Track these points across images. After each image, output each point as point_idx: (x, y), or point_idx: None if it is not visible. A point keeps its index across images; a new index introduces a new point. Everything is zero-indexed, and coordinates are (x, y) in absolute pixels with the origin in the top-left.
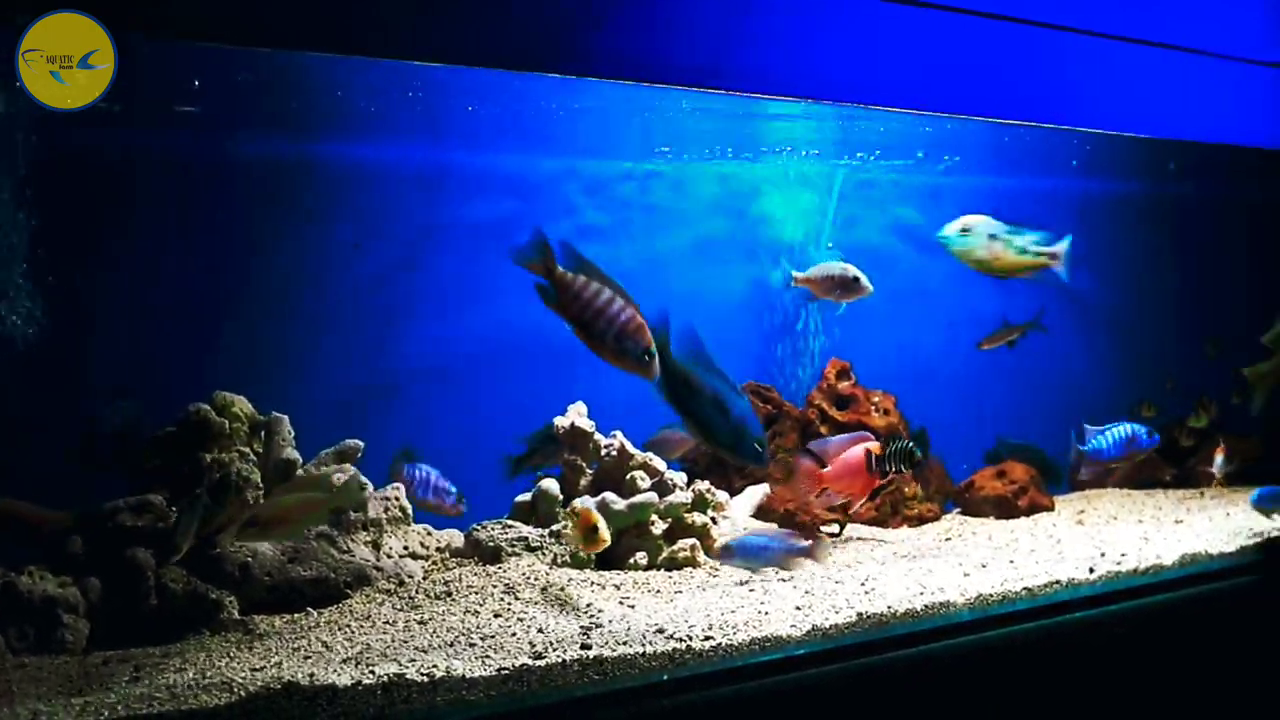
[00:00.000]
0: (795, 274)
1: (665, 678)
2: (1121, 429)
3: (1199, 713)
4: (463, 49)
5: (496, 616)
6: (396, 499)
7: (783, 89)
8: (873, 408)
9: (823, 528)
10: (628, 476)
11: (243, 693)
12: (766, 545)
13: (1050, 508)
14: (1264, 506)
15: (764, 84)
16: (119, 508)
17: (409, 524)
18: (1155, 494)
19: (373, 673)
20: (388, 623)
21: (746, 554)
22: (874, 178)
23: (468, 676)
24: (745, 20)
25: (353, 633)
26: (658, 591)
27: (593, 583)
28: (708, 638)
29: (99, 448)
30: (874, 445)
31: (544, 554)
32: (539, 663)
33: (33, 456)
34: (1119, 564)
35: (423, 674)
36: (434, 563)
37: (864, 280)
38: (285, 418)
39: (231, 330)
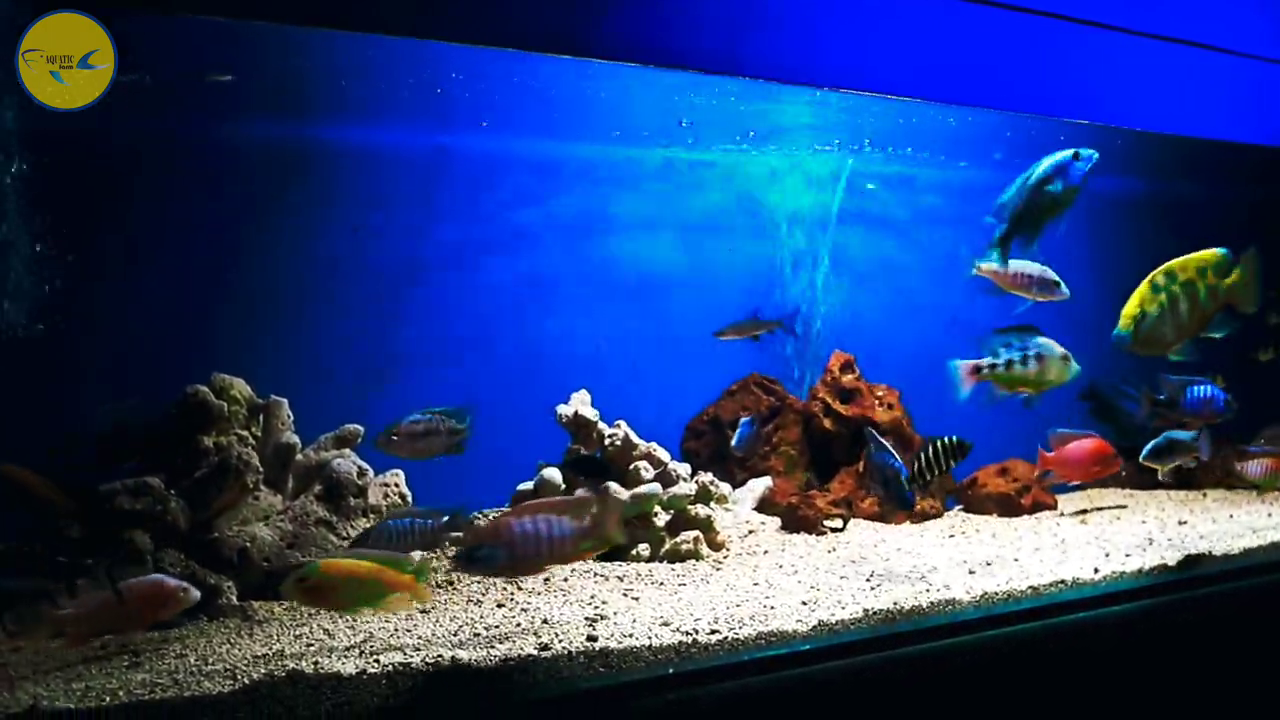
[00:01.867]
0: (980, 265)
1: (671, 671)
2: (1202, 388)
3: (1203, 714)
4: (477, 28)
5: (500, 606)
6: (396, 485)
7: (796, 76)
8: (876, 401)
9: (826, 522)
10: (631, 467)
11: (246, 680)
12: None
13: (1053, 506)
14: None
15: (778, 70)
16: (117, 490)
17: (411, 508)
18: (1158, 494)
19: (377, 662)
20: (389, 611)
21: (388, 536)
22: (880, 169)
23: (473, 666)
24: (760, 6)
25: (354, 621)
26: (661, 583)
27: (596, 574)
28: (713, 631)
29: (84, 449)
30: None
31: None
32: (545, 654)
33: (34, 443)
34: (1124, 564)
35: (428, 664)
36: (434, 551)
37: (1064, 286)
38: (284, 401)
39: (230, 313)
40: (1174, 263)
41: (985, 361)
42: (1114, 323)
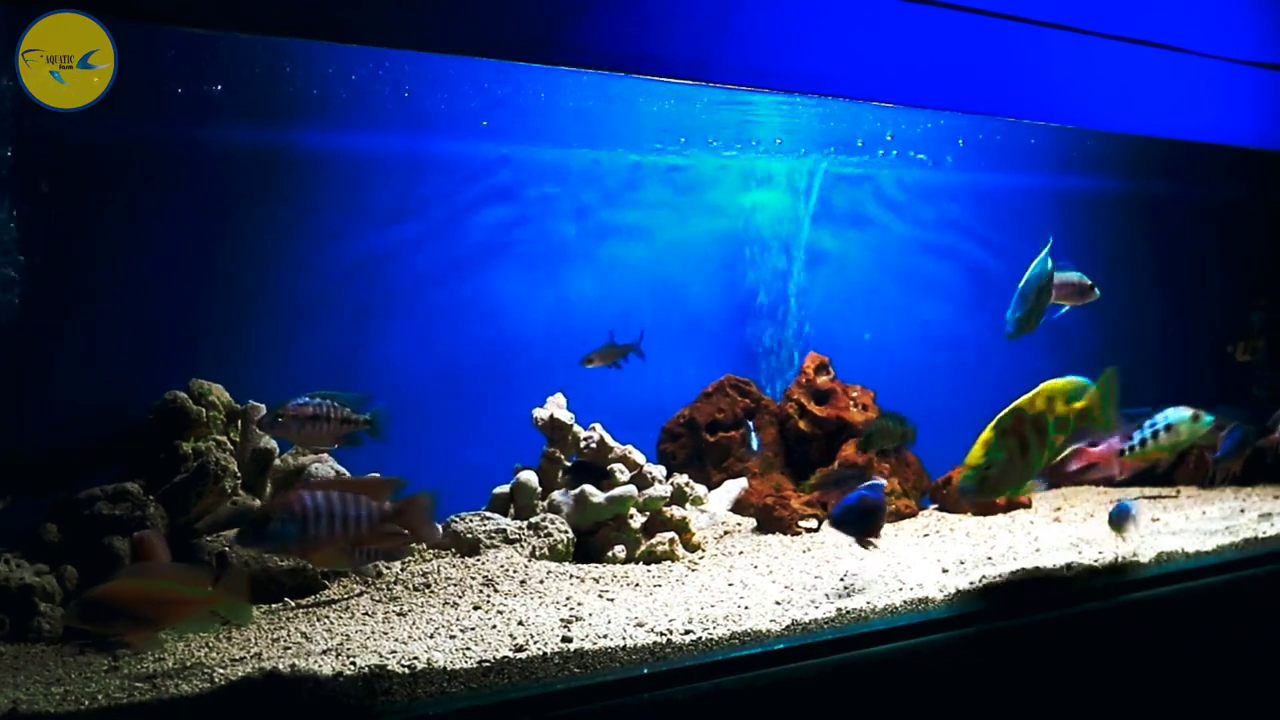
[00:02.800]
0: None
1: (645, 671)
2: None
3: (1174, 710)
4: (449, 37)
5: (476, 609)
6: None
7: (769, 82)
8: (851, 402)
9: (801, 522)
10: (607, 469)
11: (223, 682)
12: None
13: (1028, 505)
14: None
15: (751, 77)
16: (95, 496)
17: None
18: (1130, 492)
19: (354, 664)
20: (366, 614)
21: None
22: (851, 172)
23: (449, 669)
24: (733, 13)
25: (331, 624)
26: (637, 585)
27: (571, 576)
28: (687, 631)
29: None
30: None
31: (522, 546)
32: (519, 655)
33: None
34: (1096, 561)
35: (404, 665)
36: (411, 554)
37: (1097, 290)
38: (263, 406)
39: (209, 318)
40: (1022, 400)
41: (1125, 445)
42: (1088, 326)
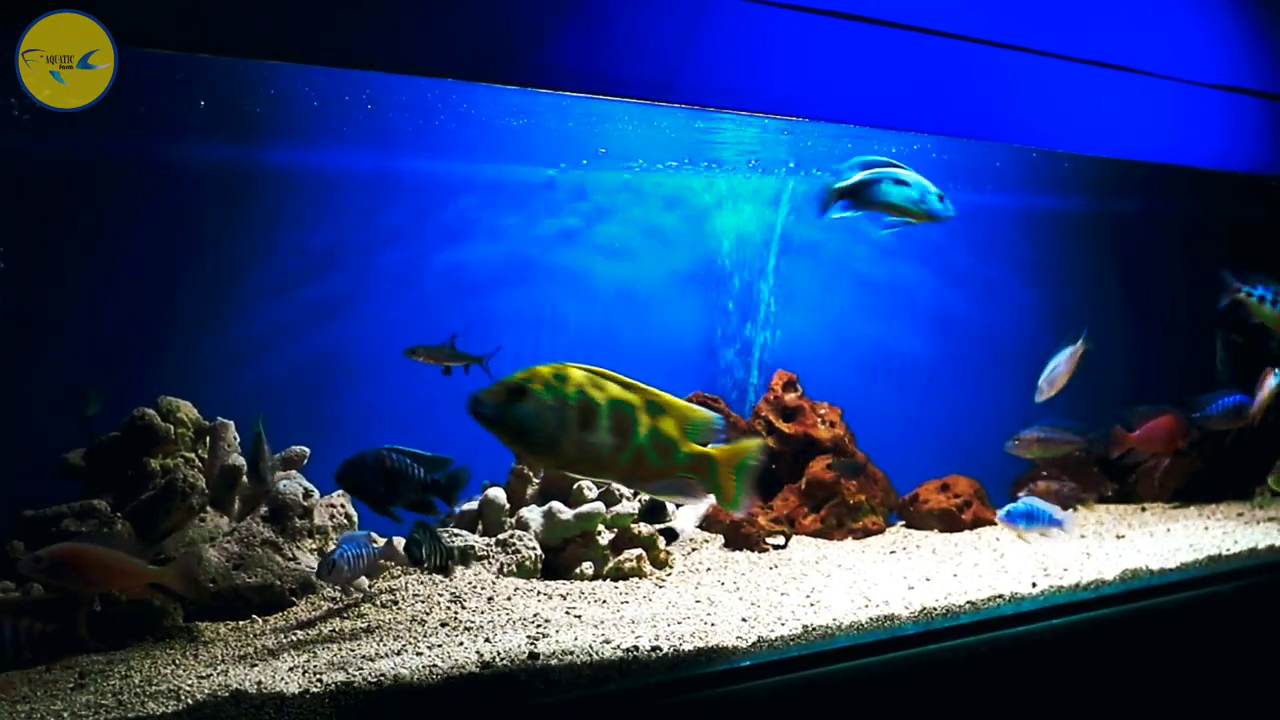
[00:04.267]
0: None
1: (612, 688)
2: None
3: None
4: (417, 58)
5: (443, 625)
6: (342, 505)
7: (734, 103)
8: (819, 419)
9: (768, 539)
10: (575, 486)
11: (190, 700)
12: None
13: (994, 521)
14: (1015, 525)
15: (716, 98)
16: (63, 513)
17: (354, 531)
18: (1097, 509)
19: (320, 681)
20: (334, 631)
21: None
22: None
23: (415, 686)
24: (698, 35)
25: (299, 641)
26: (604, 601)
27: (539, 592)
28: (654, 648)
29: None
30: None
31: (490, 563)
32: (486, 672)
33: None
34: (1061, 578)
35: (370, 682)
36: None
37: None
38: (231, 423)
39: (177, 335)
40: (611, 374)
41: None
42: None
